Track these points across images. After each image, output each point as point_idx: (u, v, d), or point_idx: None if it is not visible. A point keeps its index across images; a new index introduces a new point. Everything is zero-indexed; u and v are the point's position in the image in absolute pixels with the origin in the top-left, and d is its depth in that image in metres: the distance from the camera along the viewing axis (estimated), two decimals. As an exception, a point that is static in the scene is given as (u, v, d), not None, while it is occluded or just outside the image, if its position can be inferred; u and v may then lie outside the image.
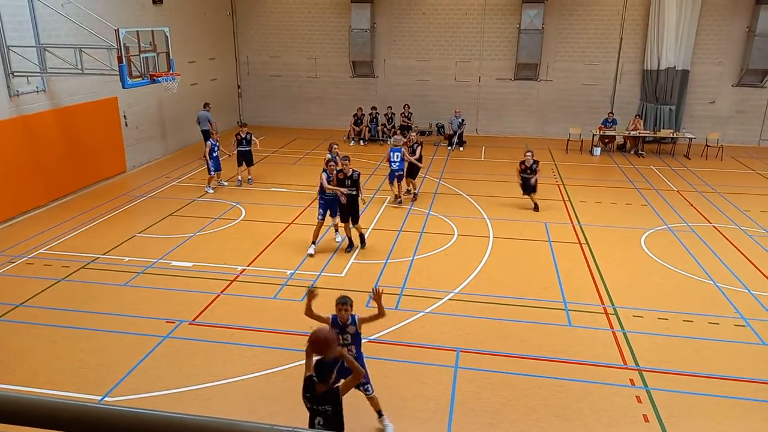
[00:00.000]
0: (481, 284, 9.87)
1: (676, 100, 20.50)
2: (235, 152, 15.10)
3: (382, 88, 22.72)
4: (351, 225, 10.89)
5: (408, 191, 14.37)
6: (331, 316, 6.04)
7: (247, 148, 15.13)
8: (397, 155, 13.59)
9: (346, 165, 10.64)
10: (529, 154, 13.32)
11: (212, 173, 14.70)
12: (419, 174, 14.59)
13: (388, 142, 14.69)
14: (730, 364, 7.66)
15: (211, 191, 14.73)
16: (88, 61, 12.64)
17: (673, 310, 9.04)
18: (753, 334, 8.41)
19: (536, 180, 13.46)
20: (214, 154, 14.52)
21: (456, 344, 8.00)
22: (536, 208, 13.53)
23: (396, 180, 13.77)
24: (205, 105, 18.07)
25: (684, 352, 7.94)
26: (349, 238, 11.09)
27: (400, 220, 12.85)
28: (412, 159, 13.84)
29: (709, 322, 8.72)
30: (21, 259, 10.60)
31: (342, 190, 10.50)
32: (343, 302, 5.97)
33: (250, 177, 15.59)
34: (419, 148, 14.08)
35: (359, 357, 6.10)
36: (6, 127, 12.23)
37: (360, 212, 11.04)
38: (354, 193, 10.59)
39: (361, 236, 11.18)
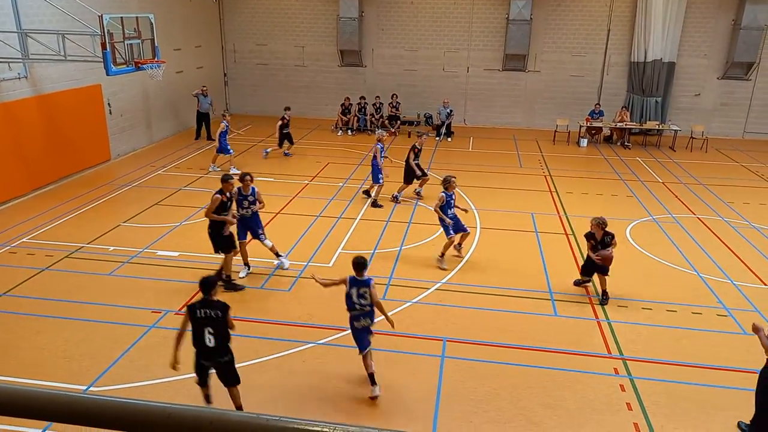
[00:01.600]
0: (468, 274, 9.91)
1: (662, 92, 20.64)
2: (280, 133, 16.93)
3: (371, 78, 22.61)
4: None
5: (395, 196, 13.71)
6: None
7: (288, 130, 17.07)
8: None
9: (228, 185, 9.00)
10: (598, 222, 8.90)
11: (220, 153, 15.30)
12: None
13: (376, 134, 14.16)
14: (713, 354, 7.78)
15: (216, 169, 15.39)
16: (71, 47, 12.39)
17: (657, 300, 9.15)
18: (735, 324, 8.54)
19: (610, 256, 9.03)
20: (222, 135, 15.22)
21: (443, 334, 8.04)
22: (605, 298, 9.09)
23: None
24: (202, 88, 18.91)
25: (667, 342, 8.05)
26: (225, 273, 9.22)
27: (387, 211, 12.84)
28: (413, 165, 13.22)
29: (692, 312, 8.84)
30: (4, 249, 10.45)
31: (228, 218, 9.08)
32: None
33: (288, 151, 17.44)
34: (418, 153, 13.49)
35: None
36: (-13, 114, 12.02)
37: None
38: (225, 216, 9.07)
39: (220, 272, 9.06)
